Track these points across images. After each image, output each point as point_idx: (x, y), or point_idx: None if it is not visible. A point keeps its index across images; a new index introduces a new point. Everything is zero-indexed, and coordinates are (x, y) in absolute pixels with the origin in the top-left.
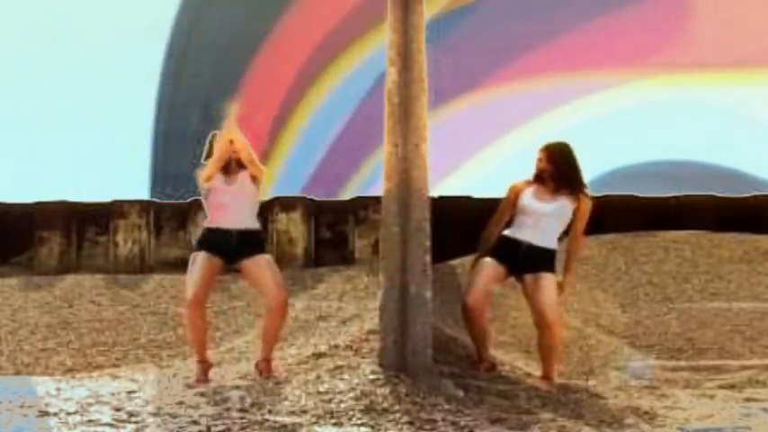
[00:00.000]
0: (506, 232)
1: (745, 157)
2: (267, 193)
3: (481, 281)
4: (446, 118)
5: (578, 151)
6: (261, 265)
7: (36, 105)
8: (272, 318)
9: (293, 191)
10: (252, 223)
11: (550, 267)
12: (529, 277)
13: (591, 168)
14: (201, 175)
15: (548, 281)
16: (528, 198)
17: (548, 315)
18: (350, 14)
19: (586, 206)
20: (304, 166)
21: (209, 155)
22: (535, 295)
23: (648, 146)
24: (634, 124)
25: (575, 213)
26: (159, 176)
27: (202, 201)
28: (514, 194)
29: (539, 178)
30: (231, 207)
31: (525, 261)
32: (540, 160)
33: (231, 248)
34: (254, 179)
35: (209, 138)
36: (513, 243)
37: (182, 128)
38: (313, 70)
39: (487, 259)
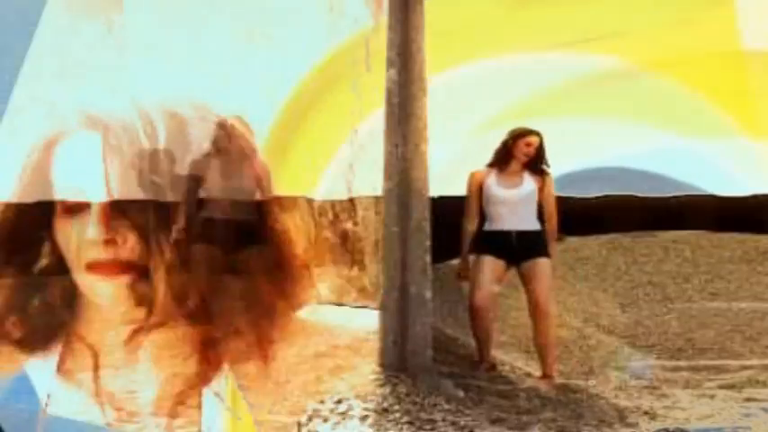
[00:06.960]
0: (489, 227)
1: None
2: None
3: (485, 280)
4: None
5: None
6: None
7: None
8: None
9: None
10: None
11: (545, 251)
12: (525, 265)
13: None
14: None
15: (543, 267)
16: (494, 188)
17: (542, 303)
18: None
19: (551, 184)
20: None
21: None
22: (531, 283)
23: None
24: None
25: (541, 192)
26: None
27: None
28: (477, 186)
29: (502, 162)
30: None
31: (519, 249)
32: (528, 145)
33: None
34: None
35: None
36: (502, 234)
37: None
38: None
39: (485, 257)
